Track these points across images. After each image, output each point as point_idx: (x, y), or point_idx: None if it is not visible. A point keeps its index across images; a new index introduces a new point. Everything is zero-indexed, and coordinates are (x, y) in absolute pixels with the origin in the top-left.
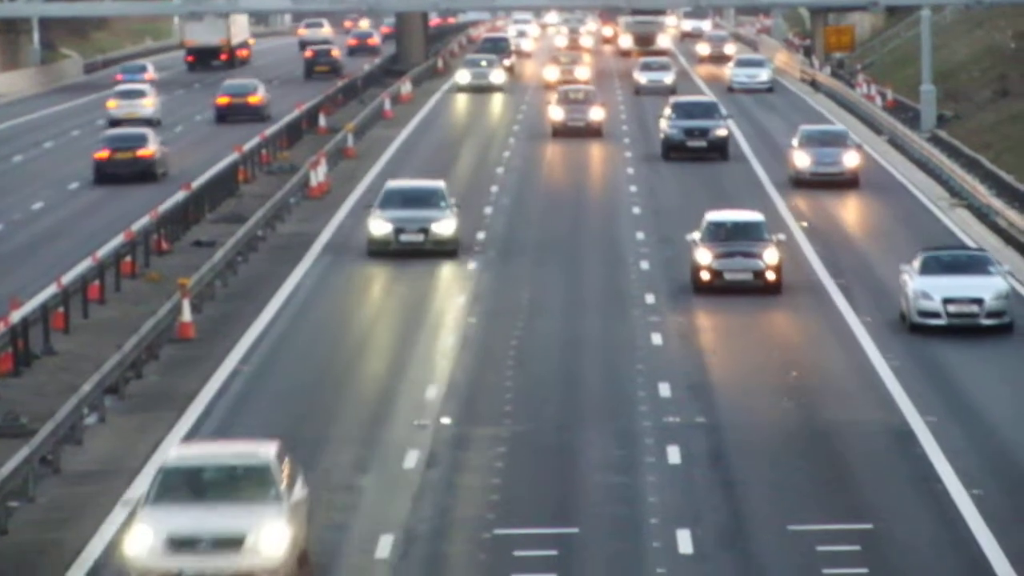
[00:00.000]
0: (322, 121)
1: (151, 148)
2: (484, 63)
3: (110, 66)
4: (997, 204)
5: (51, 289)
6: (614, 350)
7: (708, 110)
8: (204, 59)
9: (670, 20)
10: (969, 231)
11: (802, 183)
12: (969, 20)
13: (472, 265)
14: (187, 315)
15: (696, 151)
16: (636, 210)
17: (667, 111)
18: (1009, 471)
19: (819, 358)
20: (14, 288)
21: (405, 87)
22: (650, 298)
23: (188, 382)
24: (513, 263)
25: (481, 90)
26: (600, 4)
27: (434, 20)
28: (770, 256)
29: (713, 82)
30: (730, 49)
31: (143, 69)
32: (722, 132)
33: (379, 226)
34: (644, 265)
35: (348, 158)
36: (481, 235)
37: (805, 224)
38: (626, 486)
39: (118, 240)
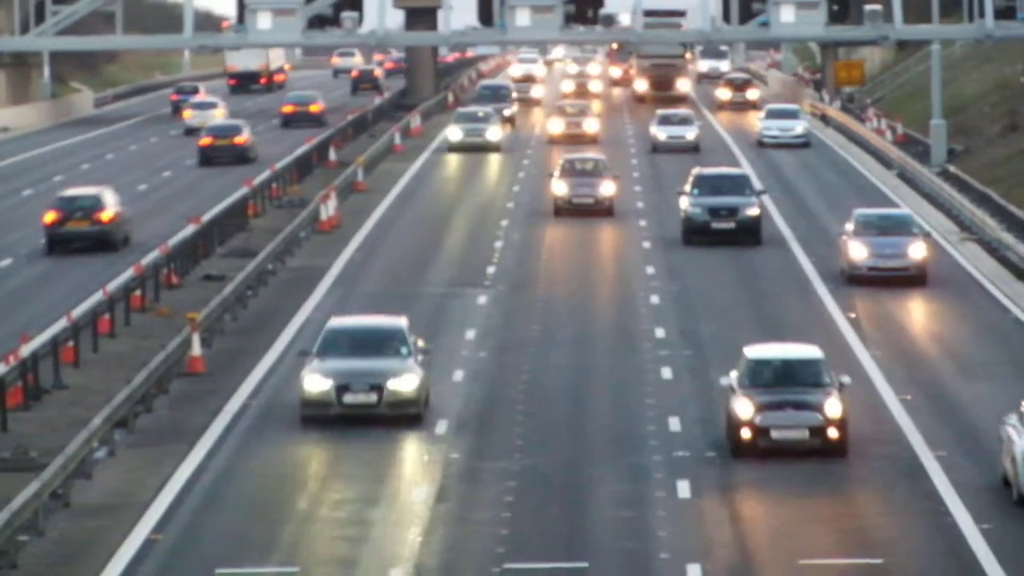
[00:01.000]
0: (332, 155)
1: (245, 136)
2: (480, 115)
3: (120, 100)
4: (1007, 238)
5: (61, 323)
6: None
7: (737, 184)
8: (245, 83)
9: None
10: (980, 265)
11: (858, 279)
12: (979, 55)
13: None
14: (197, 349)
15: (723, 235)
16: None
17: (689, 185)
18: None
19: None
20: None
21: (415, 121)
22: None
23: (198, 416)
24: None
25: (475, 149)
26: (609, 39)
27: (452, 55)
28: (832, 408)
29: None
30: (753, 94)
31: (195, 90)
32: (754, 211)
33: (316, 382)
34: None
35: (358, 192)
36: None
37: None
38: (636, 520)
39: (127, 274)
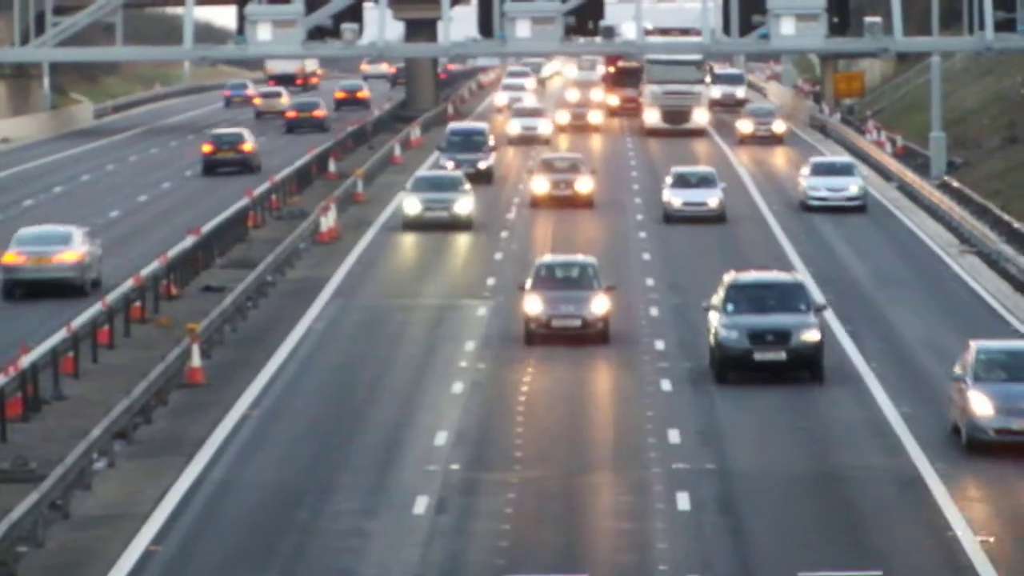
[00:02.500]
0: (332, 166)
1: (323, 110)
2: (445, 180)
3: (120, 112)
4: (1007, 251)
5: (61, 334)
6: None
7: (788, 296)
8: (283, 84)
9: (701, 89)
10: (979, 277)
11: (983, 446)
12: (979, 67)
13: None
14: (196, 360)
15: (771, 369)
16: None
17: (718, 296)
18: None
19: None
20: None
21: (415, 132)
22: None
23: (197, 427)
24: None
25: (439, 227)
26: (610, 51)
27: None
28: None
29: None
30: (779, 127)
31: (245, 86)
32: (812, 336)
33: None
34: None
35: (358, 203)
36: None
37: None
38: (635, 532)
39: (127, 285)
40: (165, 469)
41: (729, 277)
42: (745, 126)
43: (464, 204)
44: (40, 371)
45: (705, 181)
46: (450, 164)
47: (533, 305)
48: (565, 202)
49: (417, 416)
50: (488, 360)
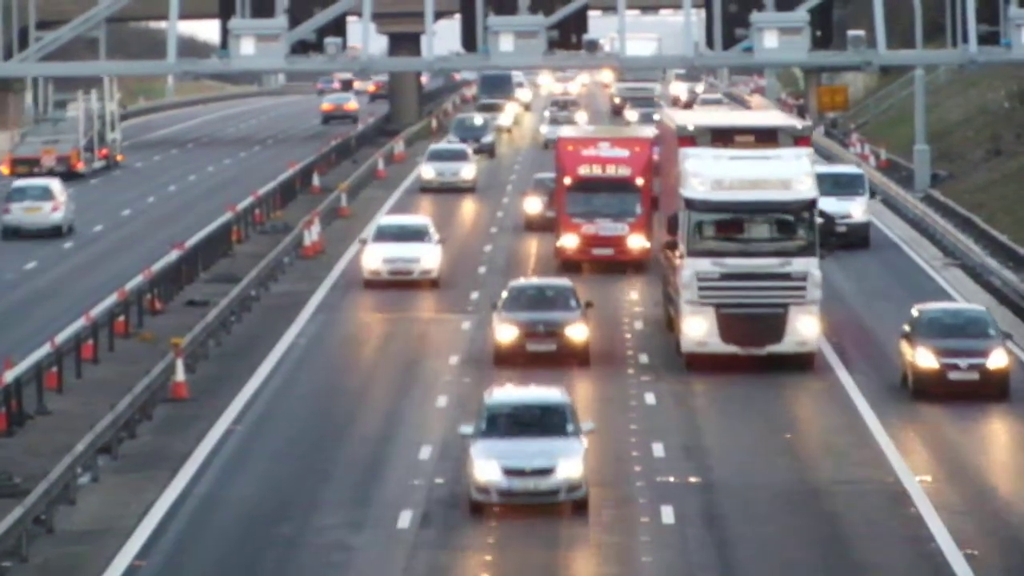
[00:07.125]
0: (316, 181)
1: (354, 104)
2: None
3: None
4: (991, 264)
5: (45, 348)
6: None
7: None
8: (346, 86)
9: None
10: (963, 291)
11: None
12: (962, 80)
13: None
14: (180, 375)
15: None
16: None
17: None
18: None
19: None
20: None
21: (398, 147)
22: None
23: (181, 442)
24: None
25: None
26: (593, 64)
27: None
28: None
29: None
30: (1001, 359)
31: (331, 80)
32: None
33: None
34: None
35: (342, 217)
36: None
37: None
38: (620, 546)
39: (111, 300)
40: (149, 484)
41: None
42: (925, 358)
43: None
44: (24, 386)
45: None
46: None
47: None
48: None
49: (401, 430)
50: (472, 374)
